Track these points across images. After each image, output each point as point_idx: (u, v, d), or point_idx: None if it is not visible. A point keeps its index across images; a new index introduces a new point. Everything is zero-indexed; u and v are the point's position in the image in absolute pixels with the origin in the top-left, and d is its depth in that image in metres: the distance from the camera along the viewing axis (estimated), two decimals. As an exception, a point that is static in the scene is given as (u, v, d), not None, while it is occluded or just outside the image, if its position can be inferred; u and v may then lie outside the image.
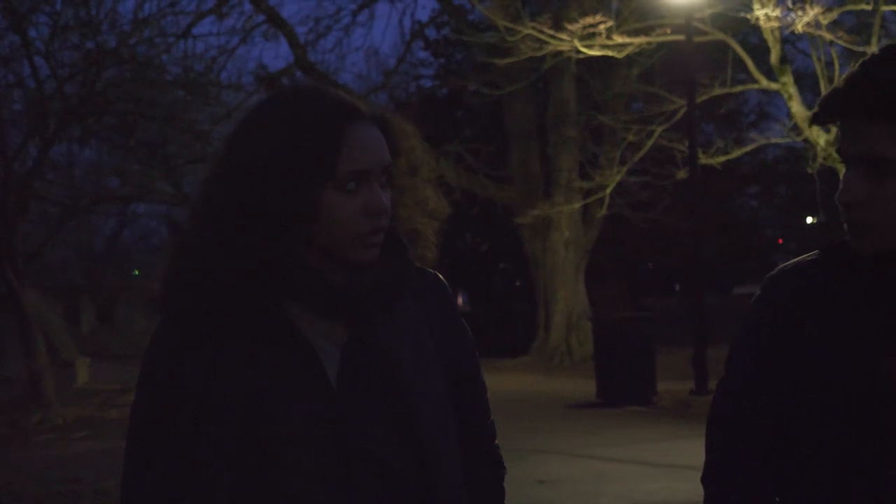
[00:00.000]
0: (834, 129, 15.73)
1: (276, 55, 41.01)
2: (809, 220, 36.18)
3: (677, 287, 36.76)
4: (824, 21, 14.92)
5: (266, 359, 1.95)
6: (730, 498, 2.03)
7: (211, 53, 18.94)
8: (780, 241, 49.55)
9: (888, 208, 1.84)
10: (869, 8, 15.46)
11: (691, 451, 10.85)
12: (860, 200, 1.85)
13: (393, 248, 2.03)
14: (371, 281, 1.99)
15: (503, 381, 17.45)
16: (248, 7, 21.09)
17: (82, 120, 16.16)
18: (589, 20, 16.29)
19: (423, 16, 65.78)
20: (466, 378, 2.17)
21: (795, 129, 16.98)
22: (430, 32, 29.94)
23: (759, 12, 14.80)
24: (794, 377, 1.96)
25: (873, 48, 15.75)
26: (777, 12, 14.86)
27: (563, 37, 16.55)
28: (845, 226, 1.92)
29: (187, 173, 19.17)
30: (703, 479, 2.09)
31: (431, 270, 2.16)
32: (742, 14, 15.56)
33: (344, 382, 1.97)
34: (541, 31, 16.81)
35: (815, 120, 1.94)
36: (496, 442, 2.26)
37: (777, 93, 17.19)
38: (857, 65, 1.88)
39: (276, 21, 22.54)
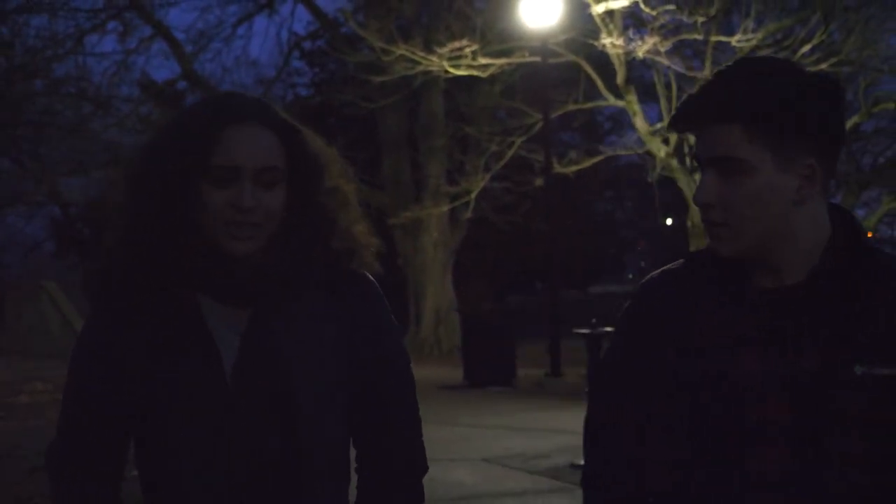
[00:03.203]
0: (673, 140, 17.18)
1: (160, 64, 40.97)
2: (669, 221, 36.15)
3: (539, 286, 36.69)
4: (662, 48, 16.10)
5: (169, 345, 2.02)
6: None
7: (103, 65, 19.78)
8: (641, 243, 50.75)
9: (741, 208, 1.85)
10: (701, 38, 16.69)
11: (545, 419, 12.44)
12: (714, 201, 1.86)
13: (301, 244, 2.08)
14: (259, 273, 2.03)
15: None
16: (144, 27, 21.68)
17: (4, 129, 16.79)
18: (456, 44, 17.23)
19: (300, 28, 65.55)
20: (384, 371, 2.18)
21: (639, 141, 18.33)
22: (306, 44, 29.81)
23: (606, 40, 16.04)
24: (656, 380, 1.95)
25: (707, 72, 17.61)
26: (621, 40, 16.10)
27: (433, 58, 17.48)
28: (705, 228, 1.91)
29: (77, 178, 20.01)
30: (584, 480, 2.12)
31: (361, 272, 2.19)
32: (591, 40, 16.63)
33: (238, 370, 2.02)
34: (413, 53, 17.69)
35: (672, 127, 1.95)
36: (422, 438, 2.24)
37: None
38: (713, 75, 1.91)
39: (164, 34, 22.95)
